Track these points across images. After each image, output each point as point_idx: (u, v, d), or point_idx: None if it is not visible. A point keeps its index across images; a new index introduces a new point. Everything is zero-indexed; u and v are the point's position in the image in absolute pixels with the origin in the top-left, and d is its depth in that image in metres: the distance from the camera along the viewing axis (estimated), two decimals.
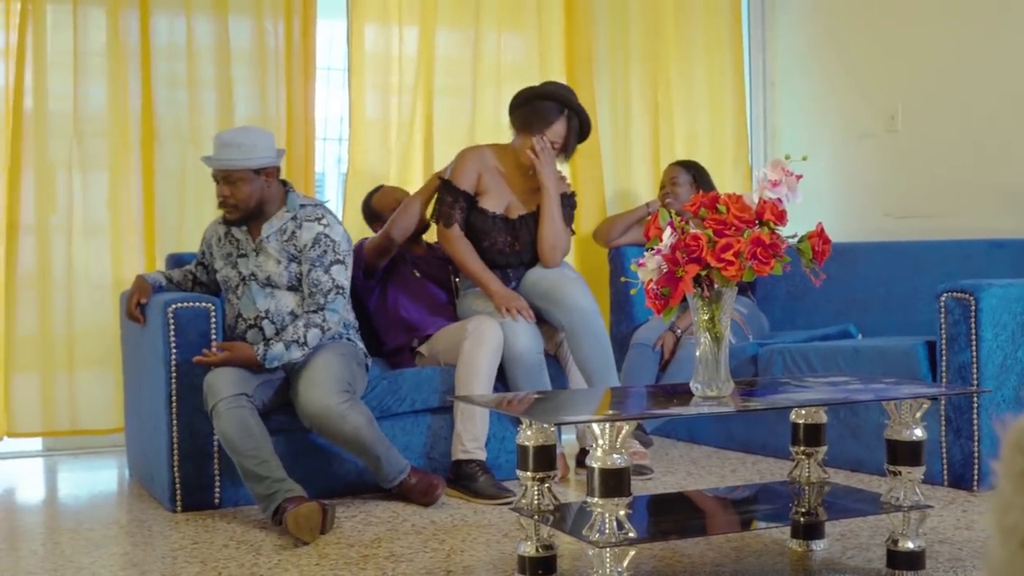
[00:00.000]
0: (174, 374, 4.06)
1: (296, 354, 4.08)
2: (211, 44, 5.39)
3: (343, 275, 4.21)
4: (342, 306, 4.22)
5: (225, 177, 4.15)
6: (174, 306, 4.07)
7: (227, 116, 5.39)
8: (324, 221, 4.23)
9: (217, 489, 4.14)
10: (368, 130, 5.65)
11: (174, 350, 4.06)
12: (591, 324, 4.58)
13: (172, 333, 4.05)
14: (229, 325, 4.30)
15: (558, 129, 4.72)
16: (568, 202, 4.88)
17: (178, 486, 4.09)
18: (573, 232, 4.94)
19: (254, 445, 3.89)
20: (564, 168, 5.11)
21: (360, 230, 5.40)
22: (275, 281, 4.22)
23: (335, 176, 7.67)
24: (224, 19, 5.40)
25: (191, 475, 4.10)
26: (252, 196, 4.16)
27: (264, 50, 5.46)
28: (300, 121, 5.49)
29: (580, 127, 4.79)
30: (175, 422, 4.08)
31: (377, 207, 5.11)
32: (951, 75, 5.62)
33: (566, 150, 4.80)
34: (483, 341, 4.43)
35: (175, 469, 4.09)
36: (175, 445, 4.08)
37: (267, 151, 4.17)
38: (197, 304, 4.10)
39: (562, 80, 5.84)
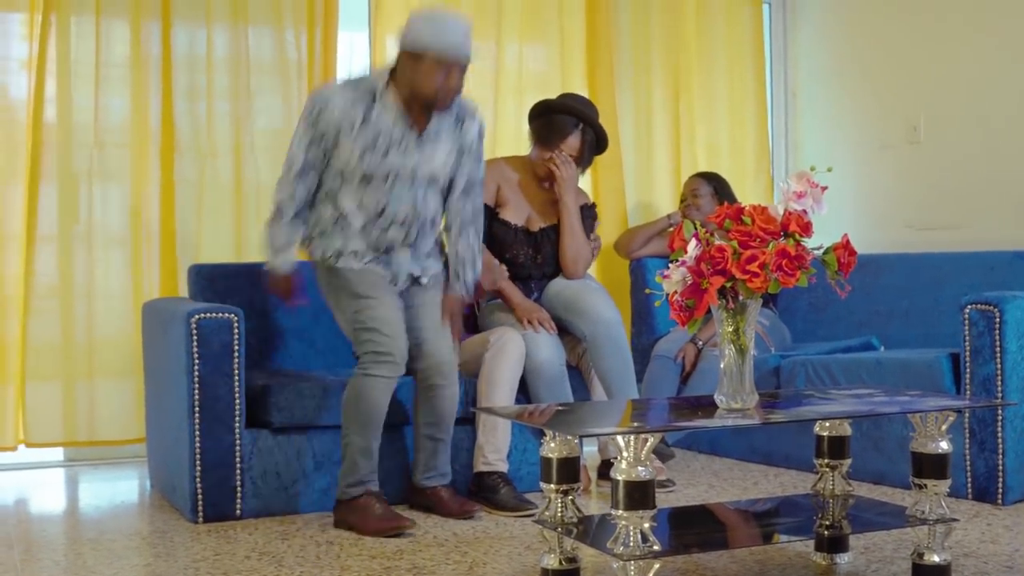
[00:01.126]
0: (197, 385, 4.06)
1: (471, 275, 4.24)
2: (231, 55, 5.40)
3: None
4: None
5: (464, 67, 4.06)
6: (197, 317, 4.07)
7: (246, 127, 5.39)
8: (479, 113, 4.29)
9: (239, 500, 4.14)
10: None
11: (197, 360, 4.06)
12: (613, 335, 4.57)
13: (195, 344, 4.05)
14: (342, 216, 4.12)
15: (573, 143, 4.74)
16: (588, 213, 4.87)
17: (200, 497, 4.09)
18: (596, 242, 4.93)
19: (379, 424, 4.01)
20: (584, 179, 5.10)
21: None
22: (437, 176, 4.17)
23: None
24: (244, 30, 5.40)
25: (213, 486, 4.10)
26: None
27: (285, 61, 5.47)
28: None
29: (596, 140, 4.79)
30: (198, 433, 4.07)
31: None
32: (973, 85, 5.60)
33: (581, 163, 4.80)
34: (505, 353, 4.42)
35: (197, 480, 4.08)
36: (197, 456, 4.08)
37: None
38: (220, 315, 4.10)
39: (583, 91, 5.84)
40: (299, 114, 5.34)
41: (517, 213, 4.76)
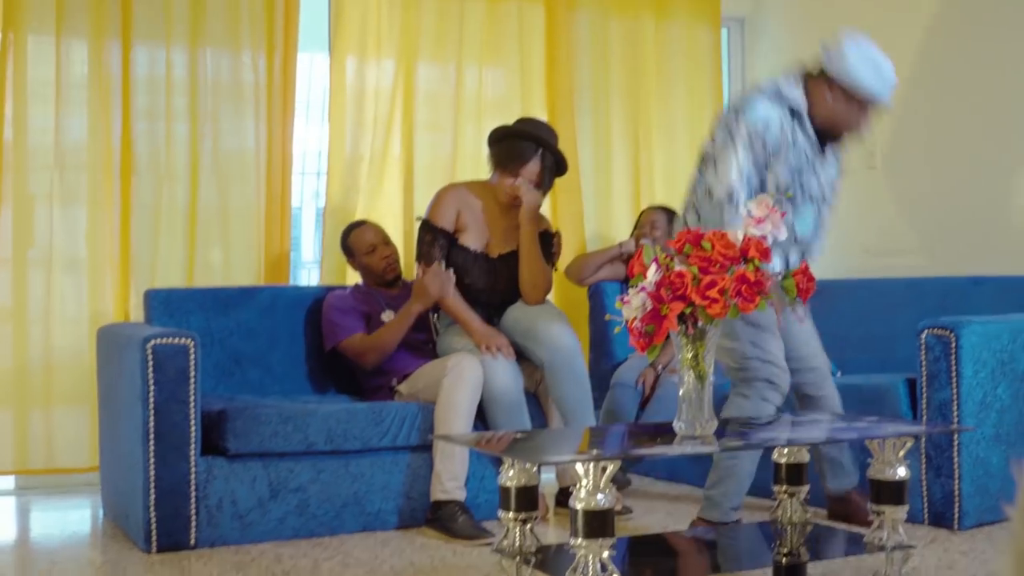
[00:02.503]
0: (152, 411, 4.00)
1: None
2: (190, 76, 5.36)
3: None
4: None
5: None
6: (152, 342, 4.02)
7: (204, 149, 5.36)
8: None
9: (194, 530, 4.08)
10: (346, 165, 5.64)
11: (152, 386, 4.01)
12: (571, 362, 4.56)
13: (150, 369, 4.00)
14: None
15: (533, 168, 4.71)
16: (548, 239, 4.86)
17: (154, 526, 4.03)
18: (555, 269, 4.93)
19: None
20: (543, 205, 5.09)
21: (340, 271, 5.42)
22: (827, 196, 4.13)
23: (312, 211, 7.65)
24: (204, 51, 5.37)
25: (167, 515, 4.04)
26: None
27: (244, 83, 5.44)
28: (278, 155, 5.46)
29: (556, 164, 4.79)
30: (152, 460, 4.02)
31: (354, 244, 5.07)
32: (930, 113, 5.65)
33: (541, 187, 4.78)
34: (463, 378, 4.40)
35: (151, 509, 4.02)
36: (151, 484, 4.02)
37: None
38: (176, 340, 4.05)
39: (543, 116, 5.84)
40: (258, 137, 5.37)
41: (477, 239, 4.75)
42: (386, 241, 5.06)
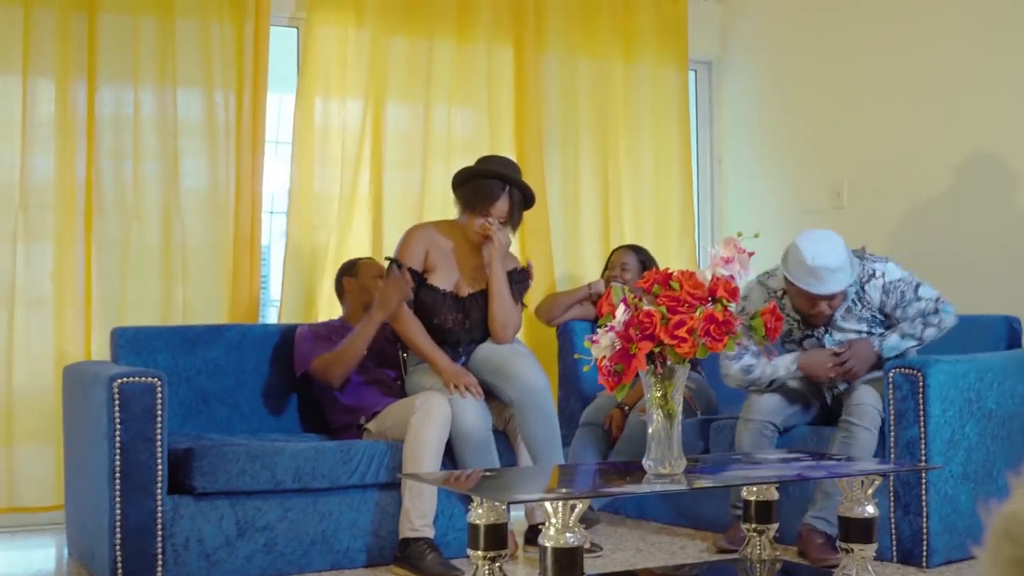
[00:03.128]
0: (118, 450, 3.97)
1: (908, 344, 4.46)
2: (159, 116, 5.36)
3: (930, 291, 4.49)
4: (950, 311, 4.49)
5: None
6: (119, 380, 4.00)
7: (173, 189, 5.35)
8: (882, 271, 4.48)
9: (160, 569, 4.04)
10: (315, 204, 5.64)
11: (118, 425, 3.98)
12: (540, 401, 4.56)
13: (117, 408, 3.98)
14: None
15: (502, 207, 4.69)
16: (519, 277, 4.85)
17: (120, 565, 3.99)
18: (524, 306, 4.93)
19: None
20: (513, 241, 5.10)
21: (301, 310, 5.41)
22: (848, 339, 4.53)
23: (280, 249, 7.63)
24: (172, 91, 5.37)
25: (133, 554, 4.00)
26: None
27: (213, 123, 5.44)
28: (247, 194, 5.45)
29: (524, 198, 4.79)
30: (118, 499, 3.98)
31: (363, 269, 5.06)
32: (896, 152, 5.70)
33: (511, 224, 4.79)
34: (431, 417, 4.38)
35: (117, 548, 3.98)
36: (117, 523, 3.98)
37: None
38: (143, 379, 4.03)
39: (512, 156, 5.85)
40: (227, 176, 5.37)
41: (446, 278, 4.75)
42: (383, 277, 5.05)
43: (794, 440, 4.56)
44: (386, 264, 4.82)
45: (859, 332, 4.48)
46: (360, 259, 5.20)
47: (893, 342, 4.39)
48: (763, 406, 4.50)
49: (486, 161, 4.89)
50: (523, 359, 4.67)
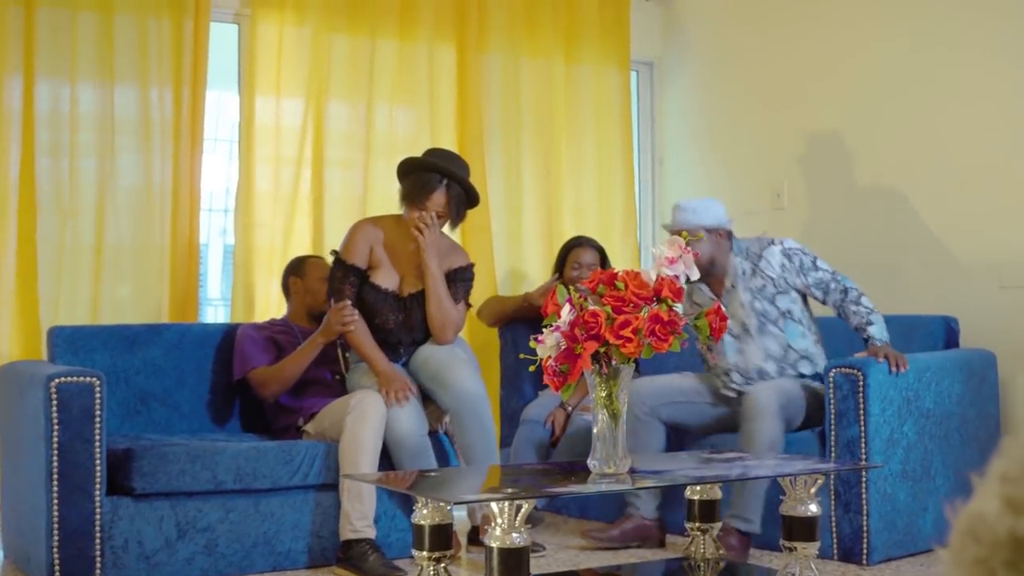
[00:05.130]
0: (55, 450, 3.92)
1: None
2: (96, 113, 5.28)
3: (825, 264, 4.62)
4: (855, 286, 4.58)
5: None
6: (56, 380, 3.94)
7: (109, 187, 5.27)
8: (775, 244, 4.61)
9: (99, 571, 3.99)
10: (257, 202, 5.59)
11: (56, 426, 3.92)
12: (476, 409, 4.50)
13: (54, 408, 3.92)
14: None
15: (438, 199, 4.60)
16: (464, 275, 4.80)
17: (57, 568, 3.93)
18: (469, 306, 4.89)
19: None
20: (456, 237, 5.06)
21: (249, 308, 5.36)
22: (747, 327, 4.58)
23: (218, 247, 7.58)
24: (110, 87, 5.30)
25: (71, 556, 3.95)
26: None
27: (152, 120, 5.37)
28: (185, 192, 5.39)
29: (467, 194, 4.71)
30: (56, 500, 3.93)
31: (309, 270, 5.03)
32: (834, 152, 5.75)
33: (450, 219, 4.70)
34: (366, 416, 4.34)
35: (54, 550, 3.93)
36: (55, 525, 3.93)
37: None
38: (81, 379, 3.97)
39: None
40: (163, 173, 5.31)
41: (388, 277, 4.70)
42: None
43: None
44: (330, 258, 4.77)
45: (744, 304, 4.57)
46: (308, 258, 5.16)
47: (877, 329, 4.48)
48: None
49: (430, 153, 4.82)
50: (460, 366, 4.61)
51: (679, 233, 4.39)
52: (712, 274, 4.60)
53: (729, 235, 4.67)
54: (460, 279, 4.79)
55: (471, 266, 4.87)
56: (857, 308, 4.50)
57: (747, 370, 4.58)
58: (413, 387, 4.56)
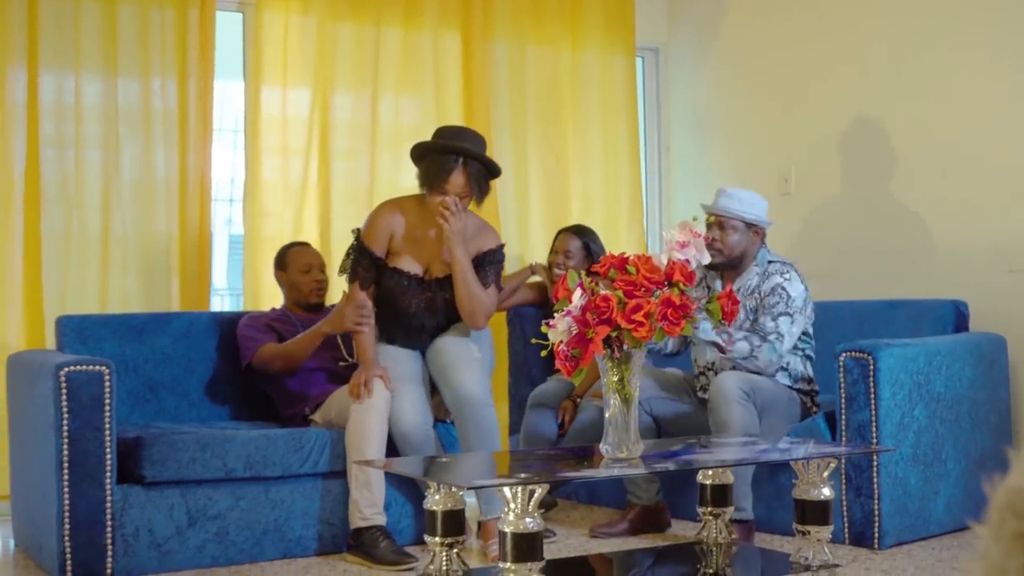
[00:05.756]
0: (66, 440, 3.91)
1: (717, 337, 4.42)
2: (101, 104, 5.27)
3: (787, 327, 4.47)
4: (777, 354, 4.45)
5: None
6: (66, 369, 3.93)
7: (115, 178, 5.27)
8: (787, 276, 4.55)
9: (110, 559, 3.99)
10: (265, 192, 5.58)
11: (66, 415, 3.92)
12: (477, 416, 4.41)
13: (64, 397, 3.92)
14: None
15: (457, 181, 4.44)
16: (493, 257, 4.65)
17: (68, 556, 3.93)
18: (501, 289, 4.81)
19: None
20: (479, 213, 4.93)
21: (259, 297, 5.36)
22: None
23: (224, 237, 7.57)
24: (114, 79, 5.28)
25: (82, 545, 3.95)
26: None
27: (155, 111, 5.36)
28: (196, 182, 5.39)
29: (486, 169, 4.55)
30: (66, 489, 3.93)
31: (290, 260, 4.99)
32: (842, 137, 5.74)
33: (473, 196, 4.53)
34: (371, 403, 4.32)
35: (65, 539, 3.93)
36: (66, 514, 3.93)
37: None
38: (91, 367, 3.97)
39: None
40: (168, 164, 5.29)
41: (413, 261, 4.59)
42: (321, 268, 5.00)
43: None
44: (353, 235, 4.68)
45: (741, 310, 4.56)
46: (290, 248, 5.05)
47: (707, 327, 4.37)
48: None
49: (441, 133, 4.65)
50: (468, 366, 4.51)
51: (708, 217, 4.42)
52: (735, 267, 4.59)
53: (763, 235, 4.65)
54: (490, 262, 4.64)
55: (501, 247, 4.71)
56: (750, 339, 4.43)
57: (722, 370, 4.55)
58: (388, 379, 4.46)
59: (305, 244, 5.14)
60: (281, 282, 5.03)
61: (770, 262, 4.60)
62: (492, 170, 4.58)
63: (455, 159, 4.46)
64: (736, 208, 4.53)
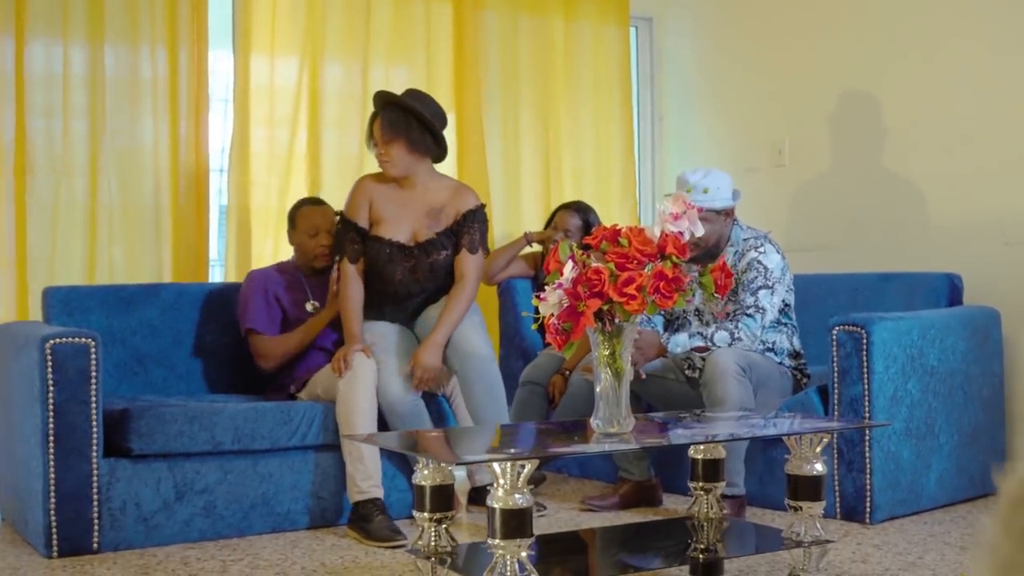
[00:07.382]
0: (51, 412, 3.87)
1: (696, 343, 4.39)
2: (89, 73, 5.20)
3: (767, 299, 4.41)
4: (757, 325, 4.37)
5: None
6: (52, 341, 3.89)
7: (103, 147, 5.20)
8: (761, 249, 4.48)
9: (96, 533, 3.96)
10: (253, 161, 5.52)
11: (52, 387, 3.87)
12: (485, 372, 4.46)
13: (50, 369, 3.87)
14: None
15: (378, 131, 4.53)
16: (475, 217, 4.61)
17: (54, 530, 3.90)
18: (488, 252, 4.80)
19: None
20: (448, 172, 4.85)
21: (245, 268, 5.30)
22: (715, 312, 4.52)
23: (215, 207, 7.50)
24: (102, 48, 5.21)
25: (68, 519, 3.92)
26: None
27: (144, 80, 5.29)
28: (191, 152, 5.33)
29: (410, 112, 4.49)
30: (52, 463, 3.89)
31: (300, 220, 4.89)
32: (837, 109, 5.69)
33: (404, 141, 4.49)
34: (358, 378, 4.28)
35: (51, 512, 3.89)
36: (52, 487, 3.89)
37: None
38: (77, 340, 3.92)
39: (450, 115, 5.72)
40: (158, 134, 5.23)
41: (394, 228, 4.57)
42: (329, 231, 4.83)
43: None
44: (336, 218, 4.71)
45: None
46: (302, 206, 4.91)
47: (681, 340, 4.36)
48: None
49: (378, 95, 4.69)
50: (470, 327, 4.54)
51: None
52: (713, 255, 4.47)
53: (732, 214, 4.58)
54: (473, 222, 4.61)
55: (482, 207, 4.67)
56: (725, 326, 4.38)
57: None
58: (369, 352, 4.44)
59: (317, 202, 4.95)
60: (291, 240, 4.93)
61: (744, 239, 4.54)
62: (419, 117, 4.51)
63: (375, 115, 4.57)
64: (704, 201, 4.40)
